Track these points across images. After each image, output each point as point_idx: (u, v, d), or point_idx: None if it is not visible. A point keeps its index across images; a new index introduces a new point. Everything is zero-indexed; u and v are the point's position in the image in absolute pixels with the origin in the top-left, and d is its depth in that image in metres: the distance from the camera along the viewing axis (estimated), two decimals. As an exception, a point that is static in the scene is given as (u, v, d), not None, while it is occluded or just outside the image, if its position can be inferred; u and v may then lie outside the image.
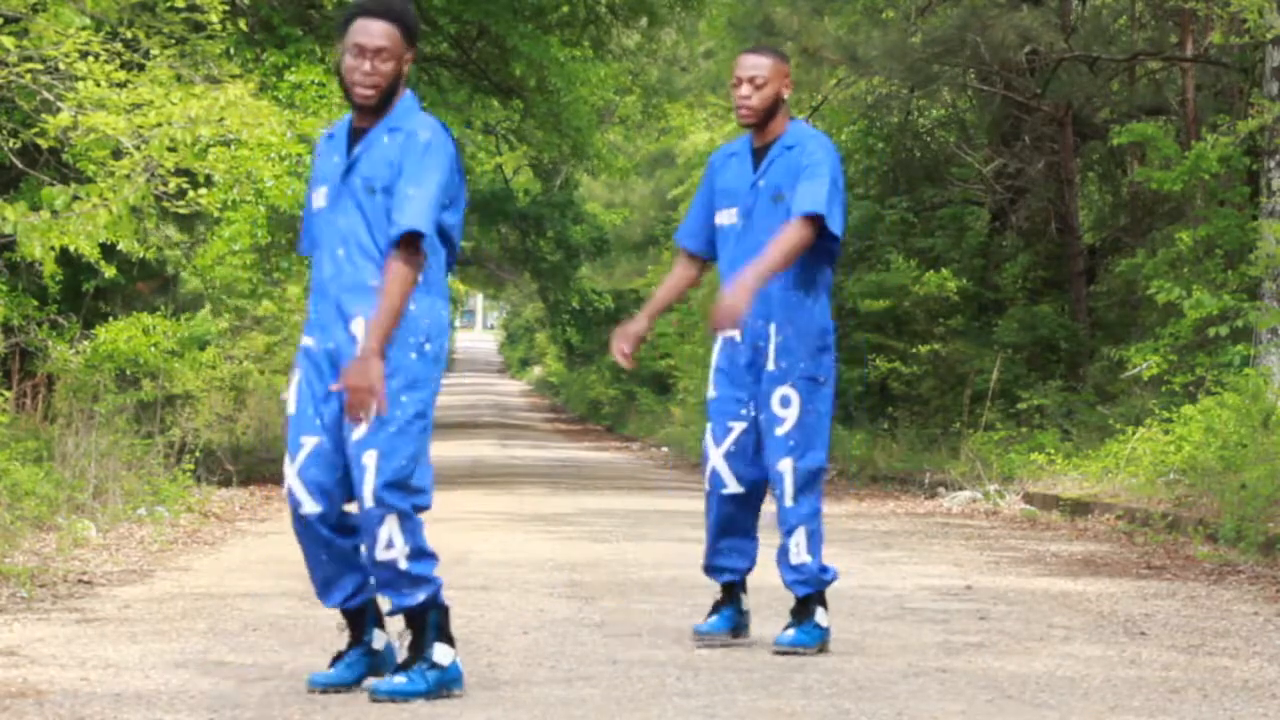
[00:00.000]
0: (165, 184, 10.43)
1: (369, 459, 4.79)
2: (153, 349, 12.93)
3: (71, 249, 10.25)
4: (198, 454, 13.01)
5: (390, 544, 4.82)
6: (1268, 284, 13.17)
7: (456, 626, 6.43)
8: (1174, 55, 17.19)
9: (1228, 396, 11.79)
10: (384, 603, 4.98)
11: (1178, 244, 14.51)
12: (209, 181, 11.00)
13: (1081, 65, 17.76)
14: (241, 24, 12.51)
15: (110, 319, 13.38)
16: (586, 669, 5.45)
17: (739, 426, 5.91)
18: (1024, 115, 18.39)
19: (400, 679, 4.86)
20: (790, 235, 5.68)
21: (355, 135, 4.96)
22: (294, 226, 15.44)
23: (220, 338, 15.41)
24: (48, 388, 12.46)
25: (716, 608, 6.05)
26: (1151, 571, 8.86)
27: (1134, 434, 13.48)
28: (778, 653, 5.74)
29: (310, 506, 4.88)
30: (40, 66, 9.95)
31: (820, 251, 5.82)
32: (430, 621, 4.91)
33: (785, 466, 5.78)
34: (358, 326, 4.85)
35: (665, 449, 28.94)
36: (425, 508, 4.90)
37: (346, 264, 4.89)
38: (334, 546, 4.93)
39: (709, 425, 5.96)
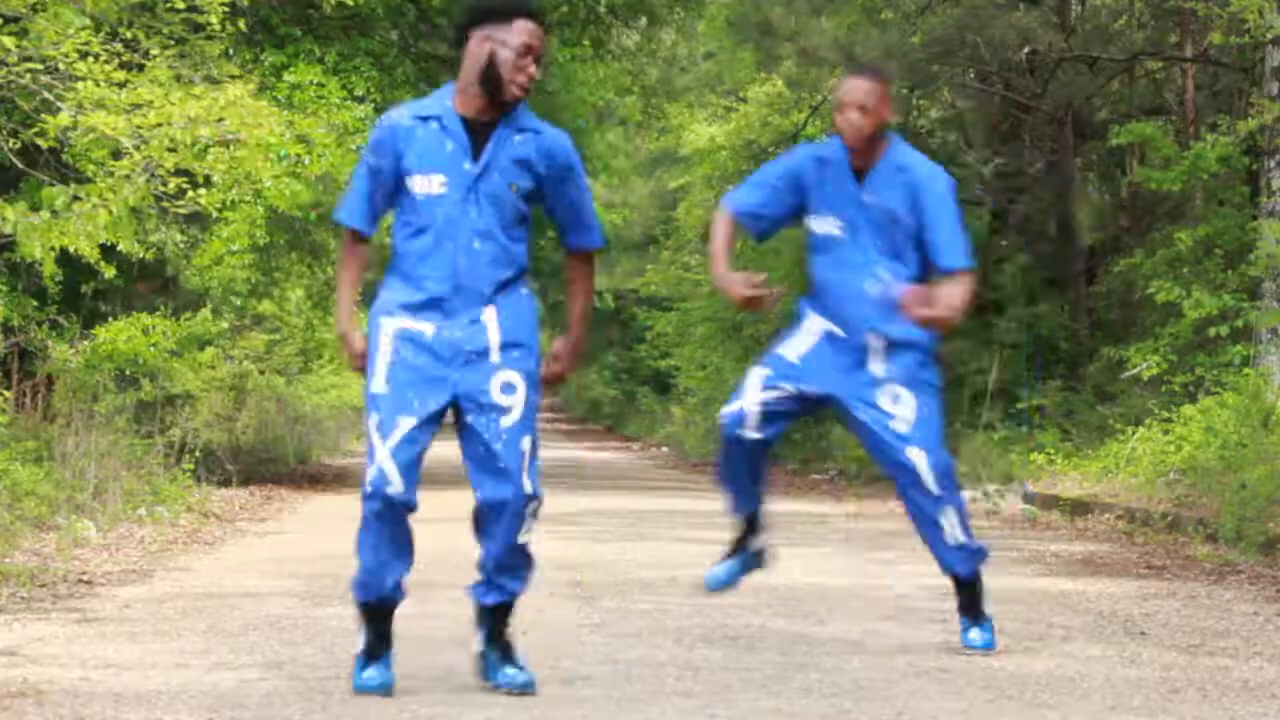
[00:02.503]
0: (165, 184, 10.44)
1: (526, 445, 5.09)
2: (152, 349, 12.93)
3: (71, 249, 10.25)
4: (197, 454, 13.01)
5: (530, 529, 5.15)
6: (1268, 284, 13.17)
7: (457, 626, 6.43)
8: (1174, 55, 17.20)
9: (1228, 396, 11.79)
10: (491, 595, 5.14)
11: (1177, 244, 14.51)
12: (209, 182, 11.00)
13: (1081, 65, 17.77)
14: (241, 24, 12.51)
15: (110, 319, 13.38)
16: (587, 669, 5.45)
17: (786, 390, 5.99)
18: (1024, 115, 18.39)
19: (514, 671, 5.09)
20: (958, 292, 5.71)
21: (474, 129, 5.04)
22: (293, 227, 15.44)
23: (220, 338, 15.39)
24: (47, 388, 12.45)
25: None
26: (1151, 571, 8.86)
27: (1134, 434, 13.48)
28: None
29: (398, 487, 4.96)
30: (40, 66, 9.94)
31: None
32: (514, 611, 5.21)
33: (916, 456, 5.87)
34: (489, 315, 5.03)
35: (665, 449, 28.93)
36: None
37: (483, 257, 5.01)
38: (400, 529, 5.06)
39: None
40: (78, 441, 10.84)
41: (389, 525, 5.02)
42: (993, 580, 8.34)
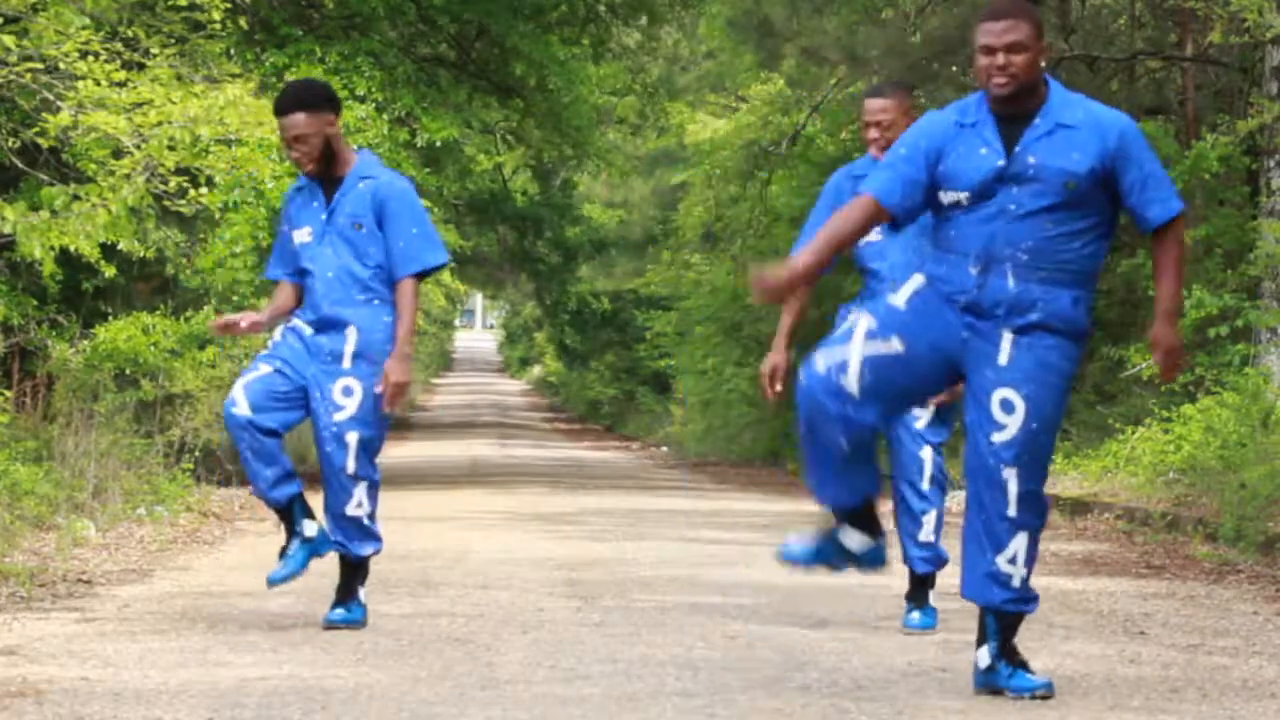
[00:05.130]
0: (165, 183, 10.43)
1: (351, 438, 6.24)
2: (152, 348, 12.92)
3: (71, 248, 10.25)
4: (197, 453, 13.00)
5: (360, 503, 6.29)
6: (1267, 284, 13.18)
7: (456, 625, 6.44)
8: (1174, 55, 17.19)
9: (1228, 396, 11.79)
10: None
11: (1178, 243, 14.48)
12: (210, 182, 11.00)
13: (1081, 65, 17.76)
14: (242, 22, 12.50)
15: (110, 318, 13.37)
16: (586, 668, 5.45)
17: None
18: (1024, 115, 18.35)
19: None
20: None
21: (328, 185, 6.29)
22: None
23: (220, 337, 15.37)
24: (48, 387, 12.45)
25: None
26: (1151, 571, 8.86)
27: (1134, 433, 13.48)
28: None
29: (242, 408, 6.21)
30: (40, 66, 9.94)
31: None
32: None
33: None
34: (350, 331, 6.22)
35: (665, 449, 28.93)
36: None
37: (336, 284, 6.23)
38: (263, 446, 6.23)
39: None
40: (78, 441, 10.84)
41: (243, 443, 6.27)
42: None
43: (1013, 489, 4.95)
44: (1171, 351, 5.15)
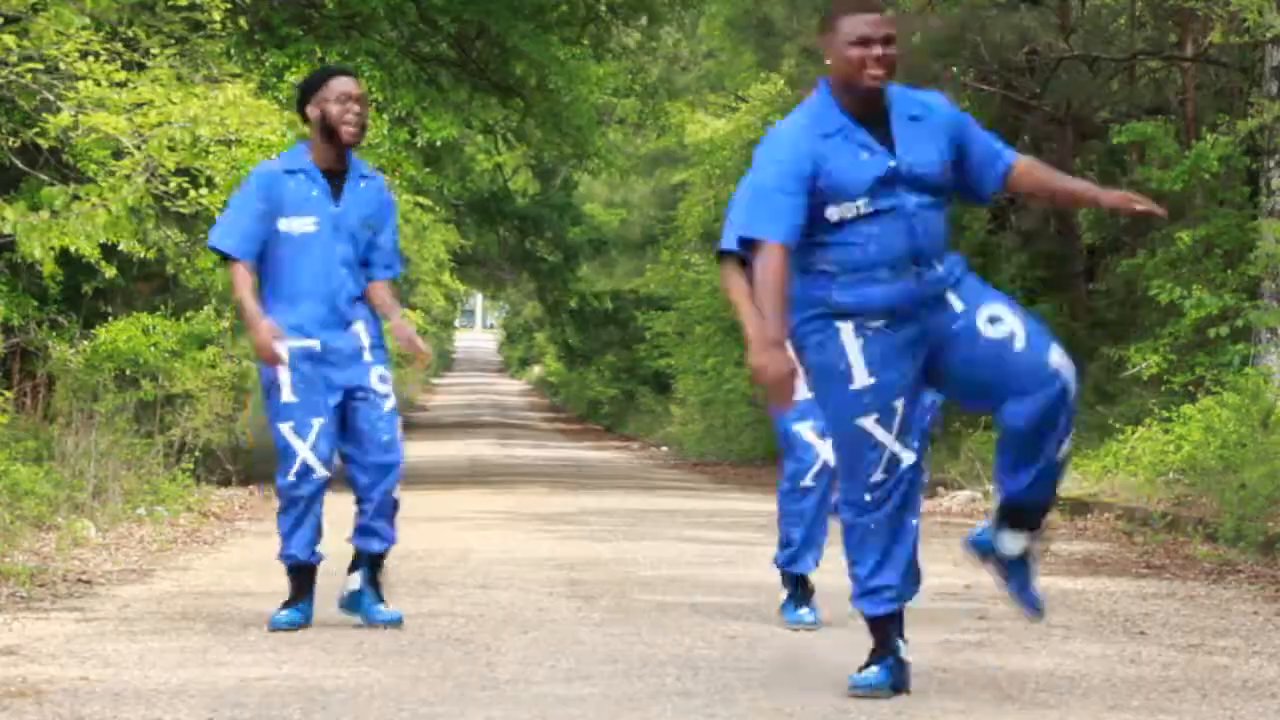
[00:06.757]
0: (165, 183, 10.44)
1: (398, 423, 6.38)
2: (152, 349, 12.92)
3: (71, 249, 10.25)
4: (197, 454, 13.00)
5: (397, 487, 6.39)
6: (1267, 283, 13.17)
7: (456, 625, 6.43)
8: (1174, 55, 17.19)
9: (1227, 396, 11.78)
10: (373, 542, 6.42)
11: (1177, 244, 14.50)
12: (210, 182, 11.01)
13: (1081, 65, 17.77)
14: (242, 22, 12.50)
15: (110, 319, 13.37)
16: (586, 668, 5.45)
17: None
18: (1024, 115, 18.39)
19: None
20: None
21: (331, 176, 6.32)
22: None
23: (221, 337, 15.41)
24: (48, 388, 12.45)
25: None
26: (1151, 571, 8.86)
27: (1134, 433, 13.48)
28: None
29: (321, 472, 6.26)
30: (40, 66, 9.95)
31: None
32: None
33: None
34: (359, 327, 6.33)
35: (665, 448, 28.92)
36: None
37: (351, 280, 6.31)
38: (320, 511, 6.32)
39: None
40: (78, 441, 10.84)
41: (312, 505, 6.31)
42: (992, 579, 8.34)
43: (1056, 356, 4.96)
44: (1125, 196, 4.99)
